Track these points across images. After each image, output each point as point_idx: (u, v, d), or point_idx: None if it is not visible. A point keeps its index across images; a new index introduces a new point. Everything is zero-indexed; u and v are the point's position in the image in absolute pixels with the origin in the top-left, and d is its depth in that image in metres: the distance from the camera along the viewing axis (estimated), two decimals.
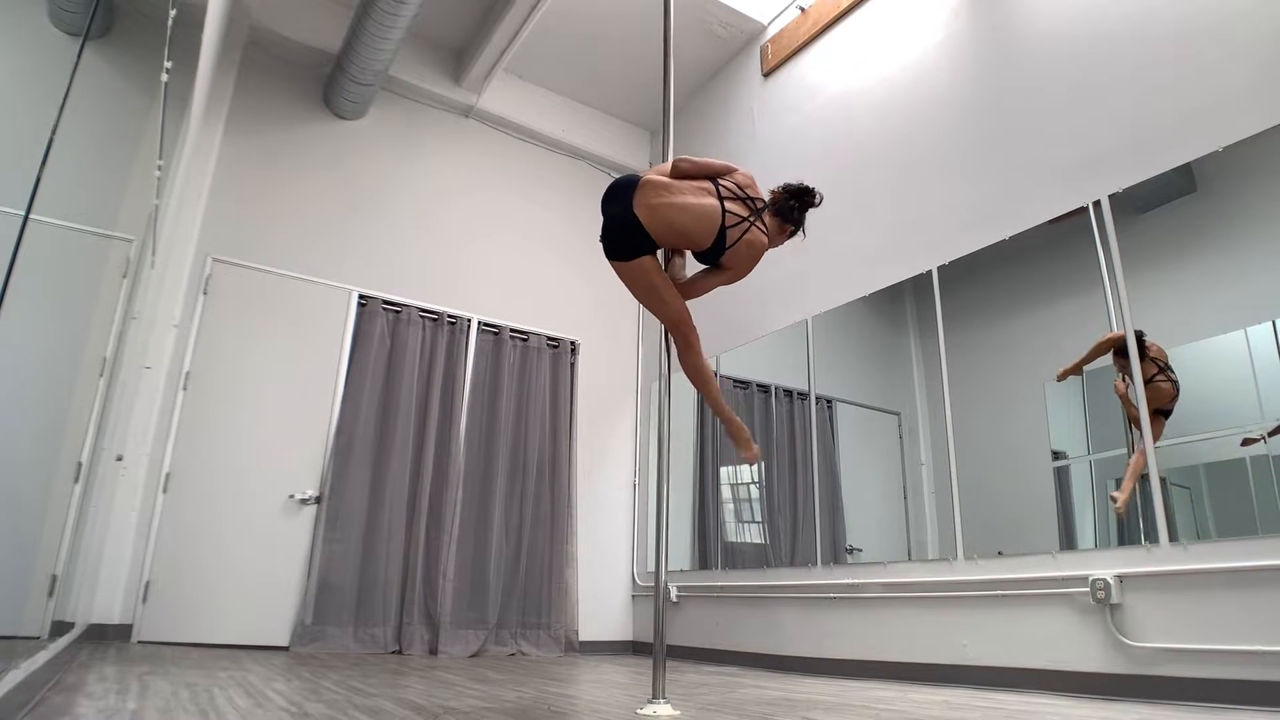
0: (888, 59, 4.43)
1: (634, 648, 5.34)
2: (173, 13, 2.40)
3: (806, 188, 2.62)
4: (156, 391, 4.13)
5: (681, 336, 2.58)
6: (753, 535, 4.80)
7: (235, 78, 4.75)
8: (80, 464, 2.54)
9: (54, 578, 2.37)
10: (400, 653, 4.39)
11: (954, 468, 3.56)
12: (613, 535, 5.54)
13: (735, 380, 5.06)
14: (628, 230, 2.40)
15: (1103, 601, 2.84)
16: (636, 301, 2.94)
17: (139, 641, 3.82)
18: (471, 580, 4.79)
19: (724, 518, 4.96)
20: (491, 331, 5.35)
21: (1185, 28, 3.08)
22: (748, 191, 2.57)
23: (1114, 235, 3.15)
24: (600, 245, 2.48)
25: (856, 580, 3.85)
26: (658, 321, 2.65)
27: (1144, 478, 2.90)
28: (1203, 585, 2.64)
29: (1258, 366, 2.70)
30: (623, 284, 2.52)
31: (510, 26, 4.99)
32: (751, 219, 2.50)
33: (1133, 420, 2.98)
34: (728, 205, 2.48)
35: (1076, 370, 3.24)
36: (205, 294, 4.42)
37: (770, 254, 2.64)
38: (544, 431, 5.34)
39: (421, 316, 5.08)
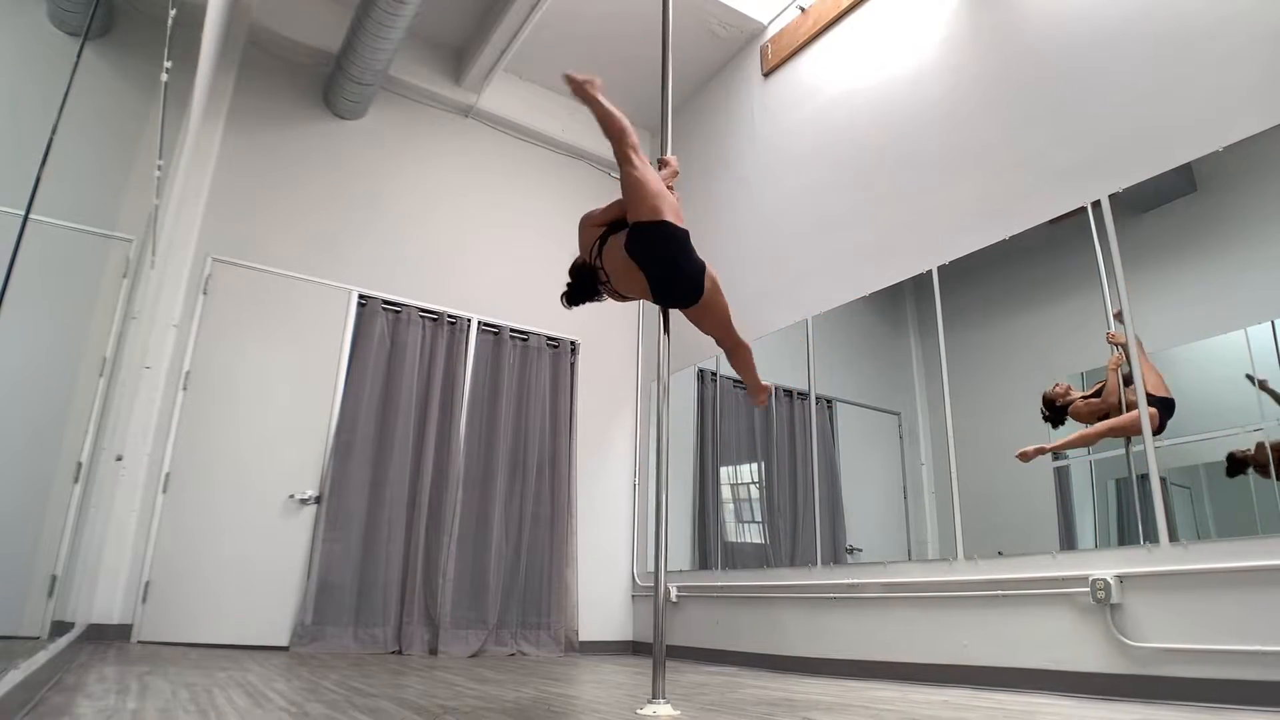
0: (888, 59, 4.43)
1: (634, 648, 5.34)
2: (173, 13, 2.40)
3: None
4: (156, 391, 4.13)
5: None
6: (753, 535, 4.80)
7: (235, 78, 4.76)
8: (80, 464, 2.54)
9: (54, 578, 2.37)
10: (400, 653, 4.39)
11: (954, 468, 3.56)
12: (613, 535, 5.54)
13: (735, 380, 5.06)
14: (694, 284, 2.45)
15: (1103, 601, 2.84)
16: (635, 302, 2.95)
17: (139, 641, 3.82)
18: (471, 580, 4.79)
19: (724, 518, 4.96)
20: (491, 331, 5.35)
21: (1185, 28, 3.08)
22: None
23: (1114, 235, 3.15)
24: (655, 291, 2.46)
25: (856, 580, 3.85)
26: (657, 322, 2.65)
27: (1143, 478, 2.90)
28: (1203, 585, 2.64)
29: (1258, 366, 2.70)
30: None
31: (510, 26, 4.99)
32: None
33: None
34: None
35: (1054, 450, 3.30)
36: (205, 294, 4.42)
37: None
38: (544, 431, 5.34)
39: (421, 316, 5.08)
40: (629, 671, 3.72)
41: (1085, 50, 3.43)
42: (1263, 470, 2.63)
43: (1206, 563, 2.64)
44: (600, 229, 2.55)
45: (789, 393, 4.67)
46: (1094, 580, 2.87)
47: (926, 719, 2.17)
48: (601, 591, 5.35)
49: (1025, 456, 3.30)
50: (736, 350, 2.72)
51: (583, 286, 2.59)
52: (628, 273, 2.45)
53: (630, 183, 2.41)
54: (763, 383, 2.78)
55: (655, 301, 2.51)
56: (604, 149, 6.12)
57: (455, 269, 5.33)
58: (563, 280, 2.65)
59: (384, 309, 4.95)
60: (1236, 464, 2.69)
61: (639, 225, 2.39)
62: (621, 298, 2.61)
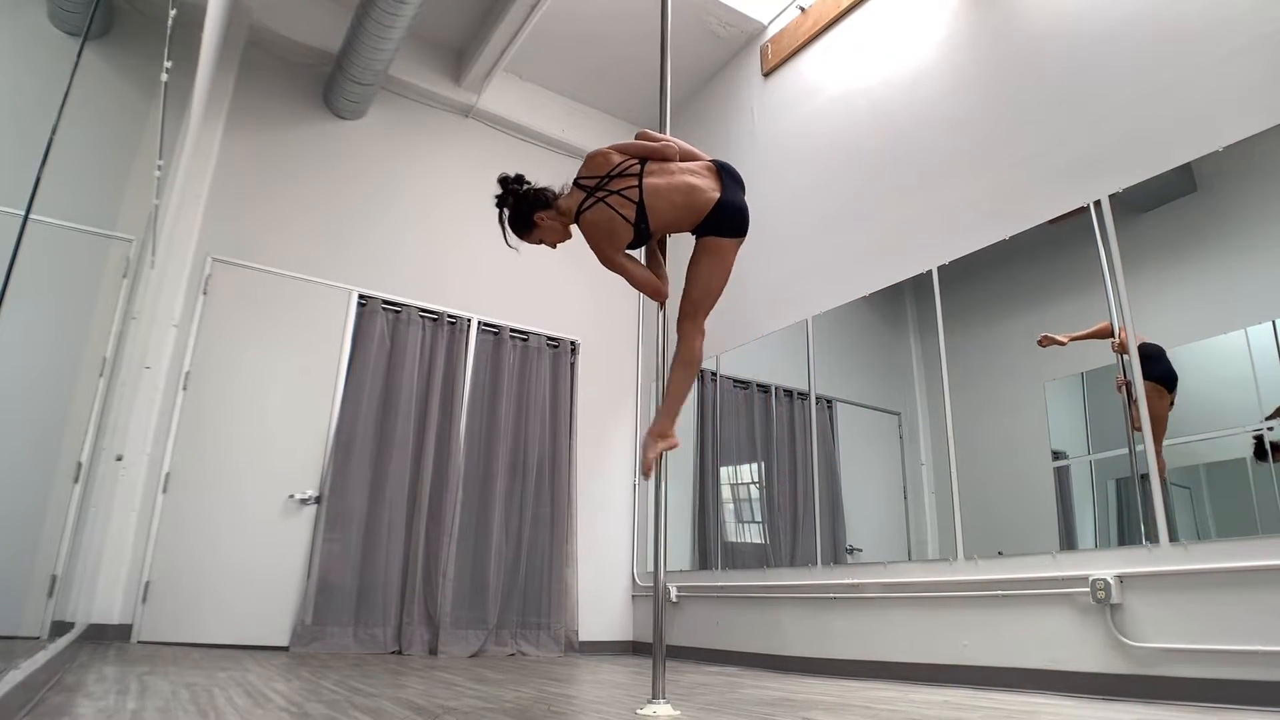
0: (888, 59, 4.43)
1: (634, 648, 5.34)
2: (173, 13, 2.40)
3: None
4: (156, 391, 4.13)
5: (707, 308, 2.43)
6: (753, 535, 4.80)
7: (235, 78, 4.75)
8: (80, 464, 2.54)
9: (54, 578, 2.37)
10: (400, 653, 4.39)
11: (954, 468, 3.56)
12: (613, 535, 5.54)
13: (735, 380, 5.06)
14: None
15: (1103, 601, 2.84)
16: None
17: (139, 641, 3.82)
18: (471, 580, 4.79)
19: (724, 518, 4.96)
20: (491, 331, 5.35)
21: (1185, 28, 3.08)
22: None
23: (1114, 235, 3.15)
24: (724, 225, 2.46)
25: (856, 580, 3.85)
26: (657, 321, 2.64)
27: (1143, 477, 2.90)
28: (1203, 585, 2.64)
29: (1258, 366, 2.70)
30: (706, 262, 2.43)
31: (510, 26, 4.99)
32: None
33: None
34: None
35: (1062, 342, 3.30)
36: (205, 294, 4.42)
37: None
38: (544, 431, 5.34)
39: (421, 316, 5.08)
40: (629, 671, 3.72)
41: (1085, 50, 3.43)
42: None
43: (1206, 563, 2.64)
44: (628, 158, 2.41)
45: (789, 393, 4.67)
46: (1094, 580, 2.87)
47: (927, 719, 2.17)
48: (601, 591, 5.35)
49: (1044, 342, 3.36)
50: (685, 343, 2.36)
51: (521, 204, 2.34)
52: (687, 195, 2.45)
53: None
54: (673, 438, 2.34)
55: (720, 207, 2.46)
56: None
57: (455, 269, 5.33)
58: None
59: (384, 309, 4.95)
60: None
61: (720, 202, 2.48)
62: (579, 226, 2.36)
